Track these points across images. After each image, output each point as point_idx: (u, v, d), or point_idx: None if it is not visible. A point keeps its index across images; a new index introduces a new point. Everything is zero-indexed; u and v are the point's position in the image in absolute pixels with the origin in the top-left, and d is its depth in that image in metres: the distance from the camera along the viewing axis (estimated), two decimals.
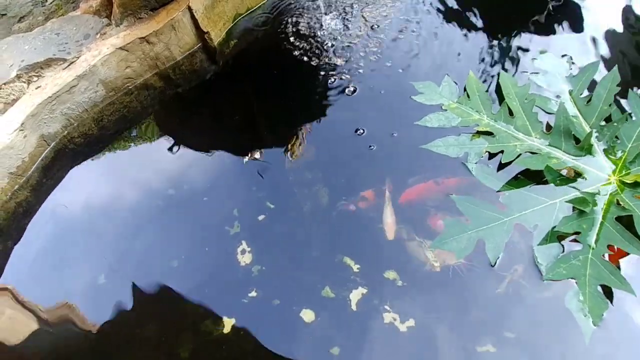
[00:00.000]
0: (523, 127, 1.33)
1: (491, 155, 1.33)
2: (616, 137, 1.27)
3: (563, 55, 1.53)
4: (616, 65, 1.39)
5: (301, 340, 1.17)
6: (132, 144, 1.65)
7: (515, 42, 1.66)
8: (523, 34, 1.67)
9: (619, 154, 1.25)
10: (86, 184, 1.54)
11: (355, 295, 1.22)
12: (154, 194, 1.49)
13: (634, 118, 1.29)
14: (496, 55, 1.63)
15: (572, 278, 1.12)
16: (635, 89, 1.38)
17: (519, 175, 1.28)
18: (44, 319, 1.29)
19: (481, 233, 1.18)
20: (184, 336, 1.24)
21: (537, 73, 1.48)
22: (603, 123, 1.31)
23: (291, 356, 1.16)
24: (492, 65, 1.60)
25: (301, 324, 1.19)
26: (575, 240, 1.17)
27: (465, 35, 1.71)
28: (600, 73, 1.42)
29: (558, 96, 1.40)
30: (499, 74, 1.48)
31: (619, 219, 1.16)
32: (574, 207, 1.19)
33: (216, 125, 1.69)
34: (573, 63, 1.49)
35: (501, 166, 1.31)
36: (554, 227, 1.17)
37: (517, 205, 1.21)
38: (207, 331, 1.22)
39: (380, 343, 1.16)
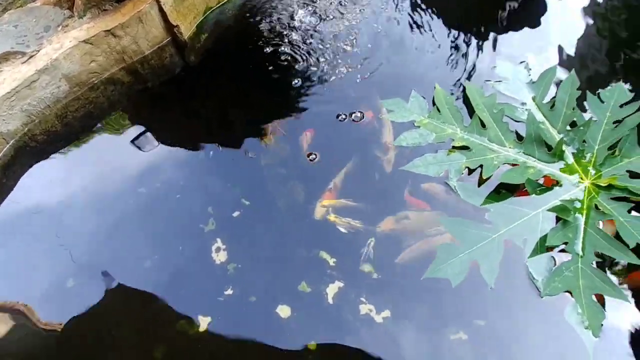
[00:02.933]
0: (496, 138, 1.26)
1: (470, 170, 1.25)
2: (584, 140, 1.22)
3: (521, 62, 1.48)
4: (573, 69, 1.35)
5: (278, 336, 1.10)
6: (100, 141, 1.48)
7: (475, 50, 1.58)
8: (482, 42, 1.59)
9: (588, 156, 1.20)
10: (50, 183, 1.39)
11: (332, 289, 1.16)
12: (124, 192, 1.36)
13: (595, 120, 1.25)
14: (459, 64, 1.54)
15: (567, 291, 1.04)
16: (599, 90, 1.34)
17: (500, 189, 1.20)
18: (10, 327, 1.20)
19: (473, 254, 1.10)
20: (158, 337, 1.14)
21: (499, 81, 1.41)
22: (569, 128, 1.26)
23: (268, 352, 1.09)
24: (456, 76, 1.50)
25: (278, 320, 1.13)
26: (564, 250, 1.10)
27: (426, 45, 1.61)
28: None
29: (523, 103, 1.34)
30: (463, 86, 1.41)
31: None
32: (557, 217, 1.13)
33: (188, 122, 1.54)
34: (530, 69, 1.43)
35: (481, 180, 1.23)
36: (542, 237, 1.10)
37: (502, 221, 1.14)
38: (182, 331, 1.13)
39: (357, 335, 1.10)
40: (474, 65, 1.54)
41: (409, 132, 1.32)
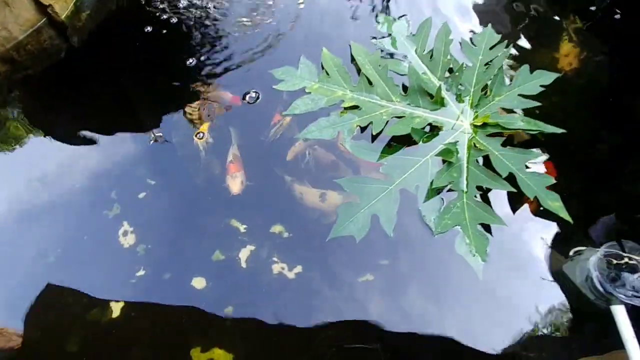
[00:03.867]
0: (383, 94, 1.30)
1: (363, 129, 1.28)
2: (460, 84, 1.30)
3: (401, 16, 1.53)
4: (446, 20, 1.43)
5: (194, 307, 1.12)
6: None
7: (360, 10, 1.60)
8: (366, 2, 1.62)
9: (466, 99, 1.28)
10: None
11: (244, 253, 1.19)
12: (15, 189, 1.30)
13: (470, 64, 1.34)
14: (346, 26, 1.56)
15: (457, 225, 1.12)
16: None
17: (391, 142, 1.25)
18: None
19: (373, 208, 1.14)
20: (70, 330, 1.14)
21: (383, 37, 1.46)
22: (448, 74, 1.33)
23: (185, 326, 1.11)
24: (344, 37, 1.51)
25: (193, 292, 1.14)
26: (451, 190, 1.18)
27: (313, 11, 1.61)
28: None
29: (405, 56, 1.40)
30: (350, 45, 1.42)
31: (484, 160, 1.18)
32: (443, 160, 1.20)
33: (78, 106, 1.47)
34: (409, 22, 1.49)
35: (374, 137, 1.27)
36: (432, 181, 1.18)
37: (396, 172, 1.19)
38: (94, 320, 1.12)
39: (271, 293, 1.14)
40: (360, 25, 1.57)
41: (301, 99, 1.33)
